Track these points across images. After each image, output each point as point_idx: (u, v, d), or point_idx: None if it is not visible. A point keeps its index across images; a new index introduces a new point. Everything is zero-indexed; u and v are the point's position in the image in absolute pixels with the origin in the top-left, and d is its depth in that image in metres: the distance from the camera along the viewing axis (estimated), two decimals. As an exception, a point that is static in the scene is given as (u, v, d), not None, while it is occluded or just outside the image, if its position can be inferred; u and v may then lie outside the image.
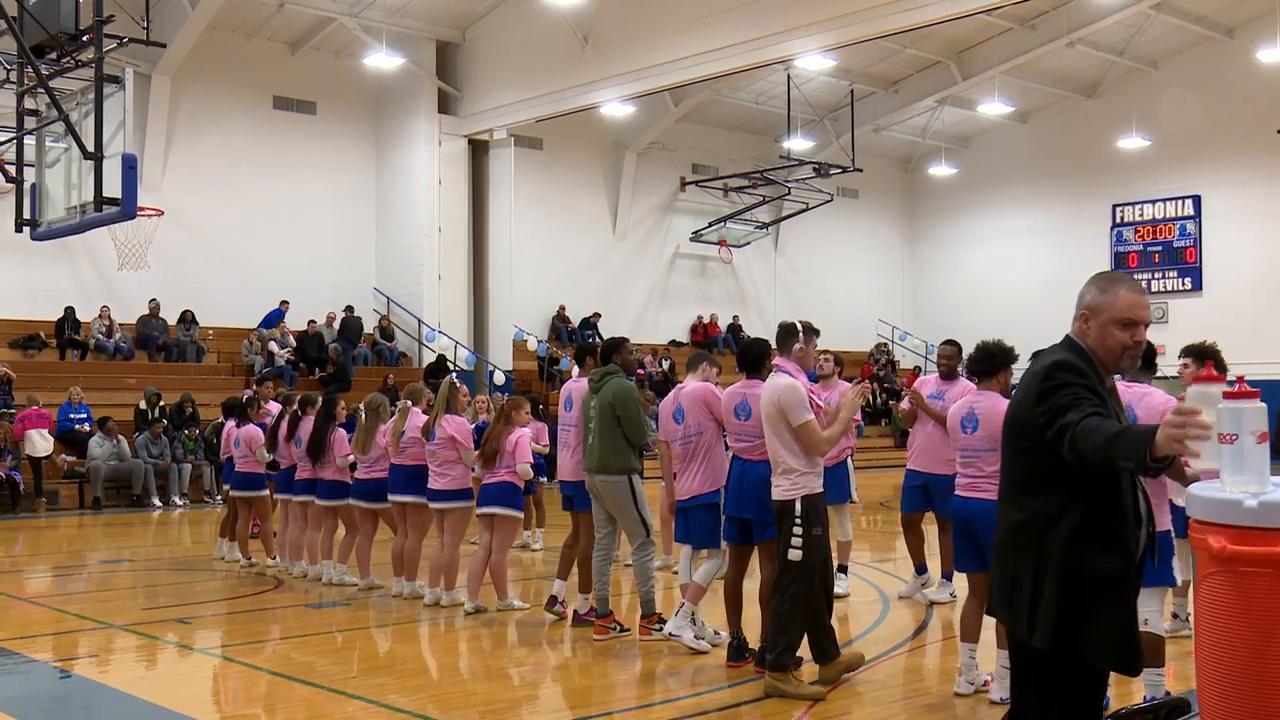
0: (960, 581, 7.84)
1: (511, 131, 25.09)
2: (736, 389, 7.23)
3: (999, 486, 3.78)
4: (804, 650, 6.80)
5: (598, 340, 27.52)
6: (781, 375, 6.66)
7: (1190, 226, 29.77)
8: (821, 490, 6.64)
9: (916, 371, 29.87)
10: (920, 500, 9.12)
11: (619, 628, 8.24)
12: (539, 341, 26.23)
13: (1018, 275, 32.02)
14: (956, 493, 6.59)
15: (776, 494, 6.61)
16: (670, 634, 7.66)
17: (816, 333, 6.95)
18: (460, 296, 25.22)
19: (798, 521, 6.48)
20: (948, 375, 9.06)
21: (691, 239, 30.47)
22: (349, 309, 24.23)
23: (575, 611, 8.71)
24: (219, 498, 17.50)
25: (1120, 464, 3.05)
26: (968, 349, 7.30)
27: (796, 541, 6.48)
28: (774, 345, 7.05)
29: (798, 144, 28.96)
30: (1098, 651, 3.31)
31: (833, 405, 7.29)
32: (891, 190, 34.86)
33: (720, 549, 7.60)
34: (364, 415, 10.25)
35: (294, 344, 23.00)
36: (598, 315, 27.94)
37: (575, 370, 10.04)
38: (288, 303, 23.47)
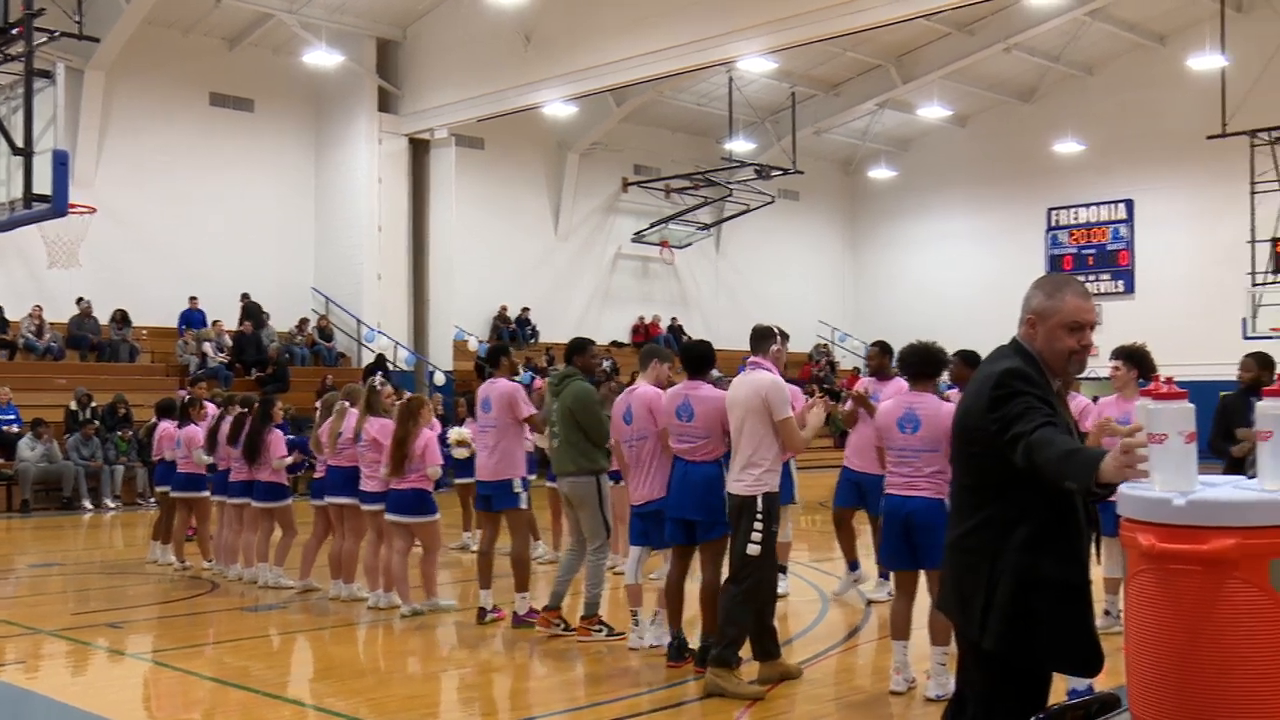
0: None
1: (453, 131, 24.94)
2: (678, 390, 7.25)
3: (951, 490, 3.81)
4: (745, 650, 6.82)
5: (512, 343, 27.45)
6: (763, 371, 6.77)
7: (1123, 230, 30.28)
8: (779, 490, 6.70)
9: (856, 373, 30.09)
10: (853, 496, 9.20)
11: (563, 625, 8.23)
12: (480, 342, 26.09)
13: (956, 277, 32.40)
14: (889, 491, 6.65)
15: (737, 489, 6.66)
16: (653, 647, 7.62)
17: (787, 337, 7.18)
18: (400, 296, 25.03)
19: (758, 517, 6.55)
20: (879, 376, 9.19)
21: (633, 240, 30.48)
22: (244, 296, 23.48)
23: (514, 613, 8.68)
24: (152, 500, 17.21)
25: (1067, 484, 3.08)
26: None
27: (756, 537, 6.55)
28: (750, 346, 7.11)
29: (739, 145, 29.08)
30: (1055, 655, 3.35)
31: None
32: (832, 192, 35.10)
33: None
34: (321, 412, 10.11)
35: (230, 344, 22.72)
36: (527, 310, 27.86)
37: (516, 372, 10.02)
38: (196, 298, 23.06)
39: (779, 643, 7.01)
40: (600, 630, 8.05)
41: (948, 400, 6.70)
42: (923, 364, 6.77)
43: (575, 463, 8.08)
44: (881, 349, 9.44)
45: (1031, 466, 3.21)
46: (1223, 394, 9.24)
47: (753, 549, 6.55)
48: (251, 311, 23.28)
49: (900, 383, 8.58)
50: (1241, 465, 8.15)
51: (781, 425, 6.60)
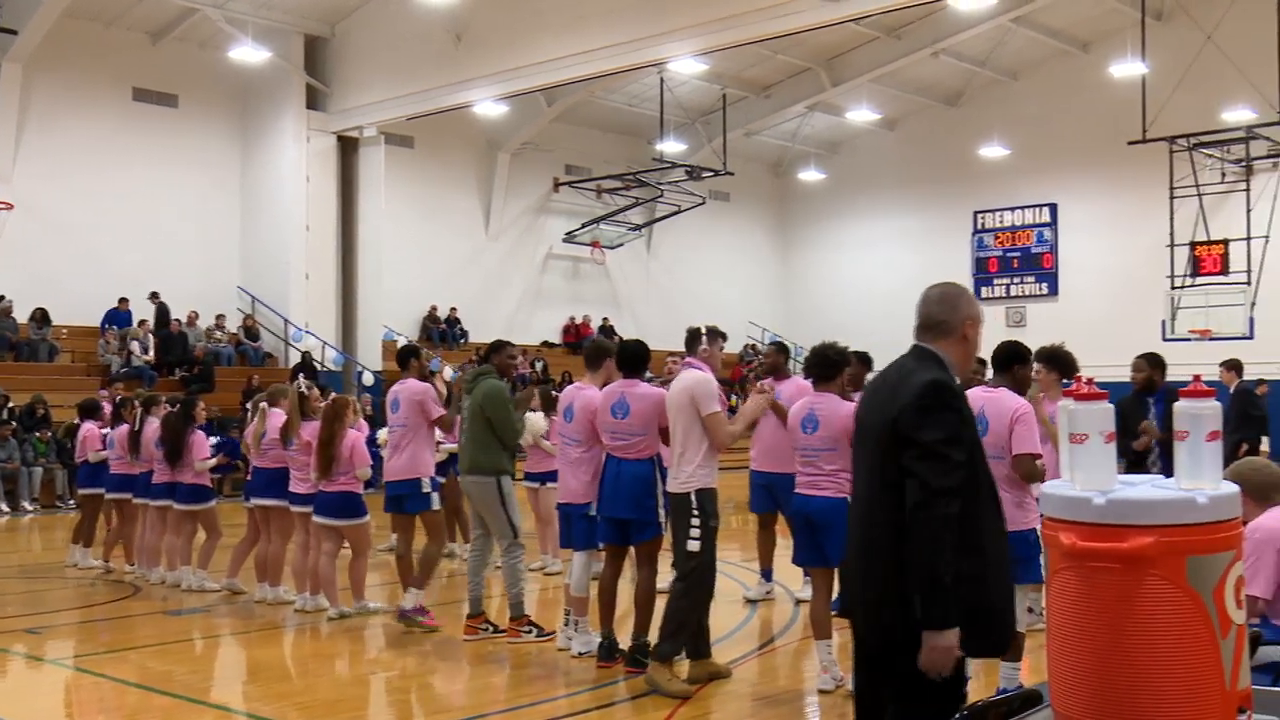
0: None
1: (382, 129, 24.73)
2: (614, 388, 7.26)
3: (861, 486, 3.82)
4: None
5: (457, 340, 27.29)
6: (692, 370, 6.83)
7: (1047, 233, 30.79)
8: (715, 486, 6.74)
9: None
10: (767, 500, 9.22)
11: (491, 628, 8.19)
12: (410, 342, 25.90)
13: (884, 277, 32.68)
14: (796, 490, 6.75)
15: (674, 487, 6.72)
16: (581, 654, 7.59)
17: (724, 336, 7.21)
18: (328, 296, 24.76)
19: (695, 513, 6.60)
20: (776, 375, 9.32)
21: (565, 240, 30.42)
22: (153, 295, 22.97)
23: (400, 607, 8.62)
24: (72, 502, 16.85)
25: (923, 576, 3.31)
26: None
27: (695, 533, 6.61)
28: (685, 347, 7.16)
29: (670, 146, 29.14)
30: (966, 640, 3.40)
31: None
32: (762, 194, 35.29)
33: (598, 550, 7.64)
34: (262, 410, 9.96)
35: (154, 342, 22.33)
36: (456, 310, 27.73)
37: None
38: (126, 299, 22.69)
39: (710, 642, 7.05)
40: (530, 631, 8.02)
41: (850, 401, 6.76)
42: (820, 366, 6.86)
43: (478, 461, 8.02)
44: (778, 349, 9.71)
45: (914, 518, 3.32)
46: (1119, 399, 9.45)
47: (693, 545, 6.61)
48: (162, 311, 22.89)
49: (799, 382, 8.94)
50: (1144, 461, 8.34)
51: (708, 420, 6.64)
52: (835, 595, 6.26)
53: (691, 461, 6.66)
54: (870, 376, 8.80)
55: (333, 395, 9.57)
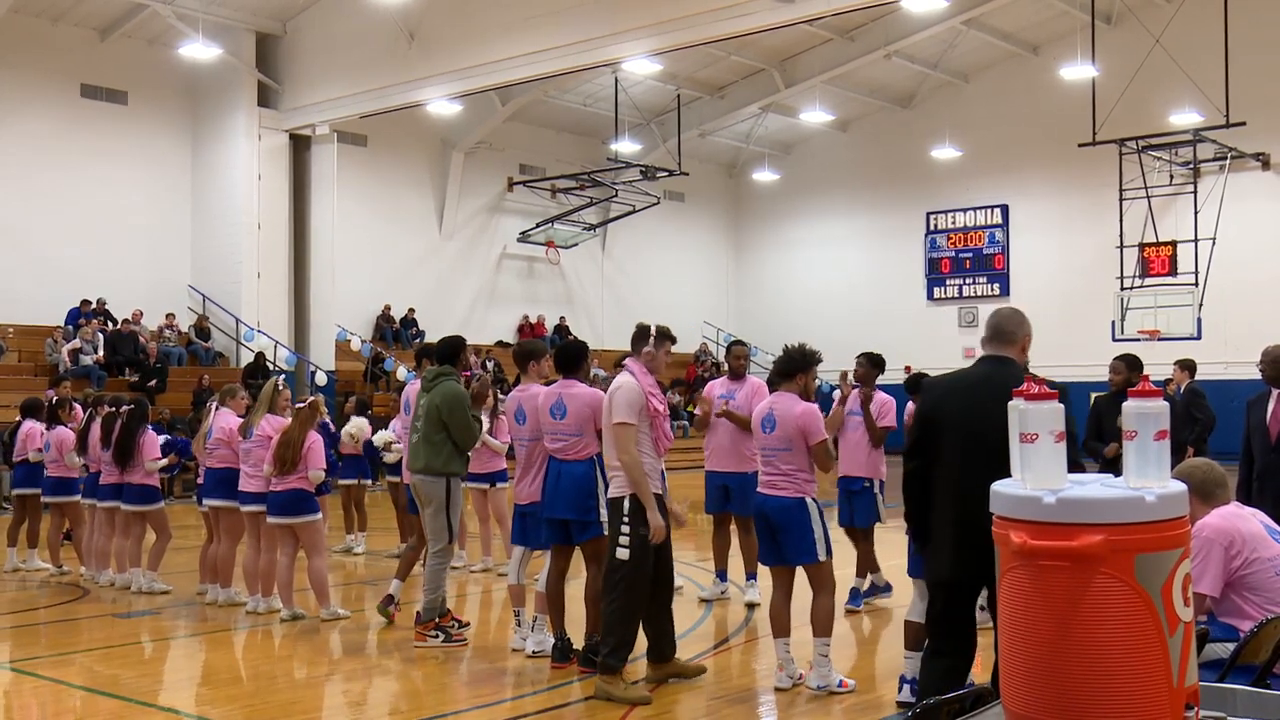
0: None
1: (334, 127, 24.55)
2: (553, 389, 7.25)
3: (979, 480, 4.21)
4: (641, 647, 6.83)
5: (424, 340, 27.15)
6: (624, 374, 6.72)
7: (999, 234, 31.08)
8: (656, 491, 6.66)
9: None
10: (721, 500, 9.24)
11: (456, 625, 8.15)
12: (363, 342, 25.74)
13: (838, 278, 32.95)
14: (758, 490, 6.75)
15: (611, 491, 6.65)
16: (534, 653, 7.56)
17: (672, 339, 6.93)
18: (280, 295, 24.54)
19: (625, 520, 6.51)
20: (736, 375, 9.30)
21: (519, 239, 30.34)
22: (99, 301, 22.69)
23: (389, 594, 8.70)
24: (8, 503, 16.51)
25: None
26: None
27: (624, 540, 6.50)
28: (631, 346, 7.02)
29: (625, 146, 29.14)
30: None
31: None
32: (717, 194, 35.38)
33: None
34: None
35: (102, 341, 22.04)
36: (412, 310, 27.61)
37: (403, 371, 9.94)
38: (89, 301, 22.45)
39: (675, 646, 7.03)
40: (437, 636, 7.96)
41: (807, 402, 6.77)
42: (784, 365, 6.85)
43: (429, 461, 7.97)
44: (870, 360, 9.39)
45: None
46: (1095, 396, 9.55)
47: (621, 553, 6.50)
48: (101, 310, 22.63)
49: (754, 380, 9.10)
50: (1115, 464, 8.41)
51: (616, 430, 6.52)
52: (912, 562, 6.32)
53: (618, 468, 6.57)
54: (880, 378, 8.90)
55: (310, 399, 9.49)
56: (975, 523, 4.29)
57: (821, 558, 6.55)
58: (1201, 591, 4.61)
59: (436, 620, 7.99)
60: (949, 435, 4.83)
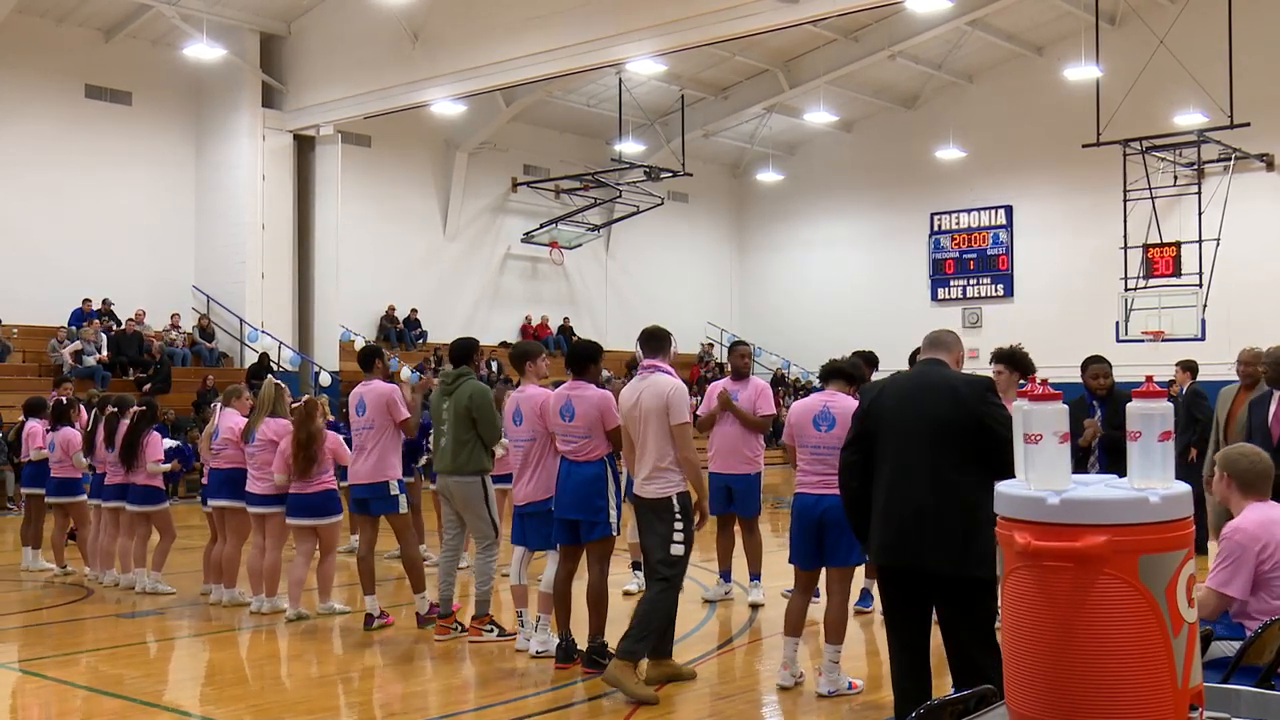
0: (780, 579, 7.95)
1: (338, 128, 24.58)
2: (563, 390, 7.23)
3: (959, 478, 4.68)
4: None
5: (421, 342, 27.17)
6: (665, 375, 6.78)
7: (1003, 235, 31.05)
8: (686, 489, 6.72)
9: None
10: (725, 502, 9.22)
11: (460, 628, 8.18)
12: (367, 342, 25.74)
13: (841, 279, 32.93)
14: (800, 490, 6.71)
15: (649, 491, 6.65)
16: (538, 653, 7.58)
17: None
18: (284, 295, 24.56)
19: (677, 516, 6.60)
20: (739, 375, 9.31)
21: (523, 240, 30.35)
22: (105, 302, 22.79)
23: (417, 614, 8.64)
24: (10, 504, 16.56)
25: None
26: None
27: (678, 536, 6.60)
28: (641, 348, 7.06)
29: (629, 147, 29.15)
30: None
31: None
32: (720, 195, 35.37)
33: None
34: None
35: (106, 341, 22.06)
36: (415, 310, 27.61)
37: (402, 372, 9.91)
38: (91, 301, 22.48)
39: (673, 644, 7.04)
40: (491, 630, 8.01)
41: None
42: (832, 369, 7.08)
43: (462, 462, 8.01)
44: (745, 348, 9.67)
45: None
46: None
47: (676, 548, 6.62)
48: (106, 311, 22.65)
49: (757, 381, 9.20)
50: (1085, 460, 8.40)
51: (676, 430, 6.62)
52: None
53: (672, 469, 6.63)
54: (875, 377, 8.93)
55: (305, 397, 9.49)
56: (904, 503, 4.78)
57: (857, 561, 6.56)
58: (1231, 594, 4.59)
59: (489, 614, 8.03)
60: (885, 427, 4.96)
